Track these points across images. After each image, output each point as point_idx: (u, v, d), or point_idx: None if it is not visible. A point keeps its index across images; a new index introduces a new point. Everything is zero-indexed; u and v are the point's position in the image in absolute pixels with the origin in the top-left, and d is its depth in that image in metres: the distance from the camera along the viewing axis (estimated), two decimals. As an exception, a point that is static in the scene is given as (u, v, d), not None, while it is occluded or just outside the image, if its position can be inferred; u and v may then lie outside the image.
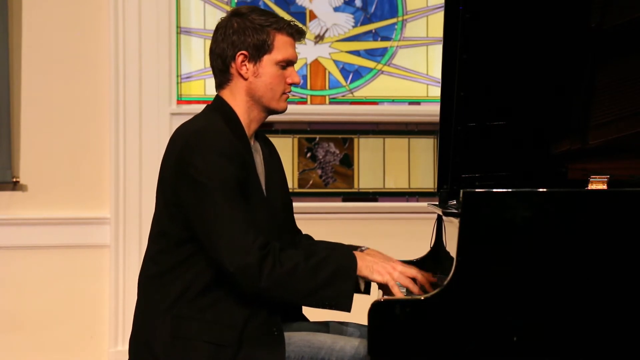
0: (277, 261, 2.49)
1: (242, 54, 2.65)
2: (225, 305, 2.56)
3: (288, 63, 2.69)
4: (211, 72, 2.76)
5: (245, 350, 2.55)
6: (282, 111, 2.72)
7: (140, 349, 2.64)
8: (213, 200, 2.51)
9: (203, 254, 2.57)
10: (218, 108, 2.68)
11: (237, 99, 2.68)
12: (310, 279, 2.50)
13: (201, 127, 2.61)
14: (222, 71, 2.69)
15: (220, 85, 2.72)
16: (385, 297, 2.49)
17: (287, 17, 2.75)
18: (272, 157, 2.81)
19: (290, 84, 2.70)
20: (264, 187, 2.70)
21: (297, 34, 2.70)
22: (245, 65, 2.66)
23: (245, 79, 2.66)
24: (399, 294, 2.54)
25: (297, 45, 2.73)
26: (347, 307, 2.51)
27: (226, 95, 2.70)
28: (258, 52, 2.65)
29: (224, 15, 2.76)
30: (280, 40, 2.66)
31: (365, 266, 2.57)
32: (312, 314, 2.85)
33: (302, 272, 2.50)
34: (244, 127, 2.67)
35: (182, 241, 2.59)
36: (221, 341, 2.54)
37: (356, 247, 2.84)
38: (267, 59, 2.66)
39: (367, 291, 2.70)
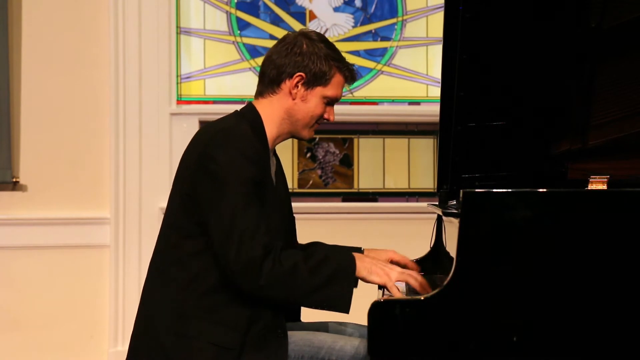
0: (277, 260, 2.50)
1: (300, 75, 2.68)
2: (230, 306, 2.56)
3: (332, 101, 2.75)
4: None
5: (248, 353, 2.55)
6: (307, 139, 2.81)
7: (141, 344, 2.64)
8: (229, 196, 2.52)
9: (211, 252, 2.57)
10: (247, 116, 2.71)
11: (272, 112, 2.71)
12: (309, 279, 2.51)
13: (228, 127, 2.64)
14: (272, 82, 2.71)
15: (261, 93, 2.74)
16: (385, 297, 2.49)
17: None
18: (280, 173, 2.85)
19: (325, 120, 2.77)
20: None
21: (351, 80, 2.77)
22: (298, 87, 2.69)
23: (292, 99, 2.70)
24: (398, 294, 2.55)
25: None
26: (345, 309, 2.52)
27: (262, 104, 2.72)
28: (315, 80, 2.70)
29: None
30: (337, 79, 2.72)
31: (363, 267, 2.59)
32: (312, 314, 2.85)
33: (301, 272, 2.51)
34: (268, 140, 2.70)
35: (192, 236, 2.59)
36: (224, 343, 2.54)
37: (356, 249, 2.86)
38: (319, 90, 2.71)
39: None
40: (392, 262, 2.83)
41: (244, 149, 2.57)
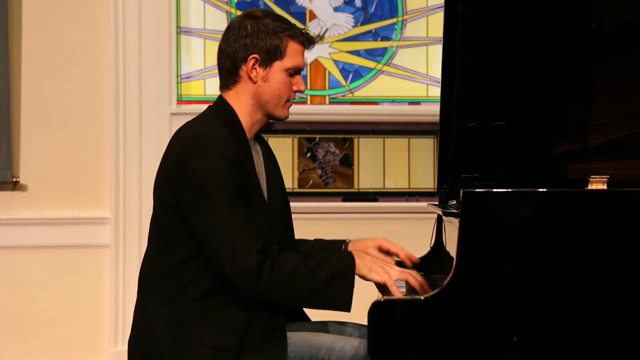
0: (275, 265, 2.48)
1: (253, 57, 2.63)
2: (226, 309, 2.55)
3: (296, 71, 2.69)
4: (211, 72, 2.76)
5: (247, 354, 2.54)
6: (284, 119, 2.73)
7: (138, 351, 2.63)
8: (213, 204, 2.50)
9: (202, 256, 2.56)
10: (220, 111, 2.67)
11: (241, 101, 2.67)
12: (309, 281, 2.50)
13: (201, 131, 2.60)
14: (230, 72, 2.67)
15: (225, 85, 2.70)
16: (385, 297, 2.49)
17: (291, 20, 2.74)
18: (270, 159, 2.81)
19: (296, 92, 2.71)
20: (265, 191, 2.70)
21: (308, 43, 2.70)
22: (256, 69, 2.64)
23: (254, 83, 2.65)
24: (397, 293, 2.54)
25: None
26: (346, 308, 2.51)
27: (230, 96, 2.69)
28: (270, 57, 2.64)
29: (223, 15, 2.76)
30: (292, 48, 2.66)
31: (363, 265, 2.58)
32: (313, 313, 2.85)
33: (300, 274, 2.49)
34: (245, 130, 2.66)
35: (181, 242, 2.57)
36: (222, 345, 2.53)
37: (340, 242, 2.86)
38: (277, 64, 2.65)
39: None
40: (382, 249, 2.82)
41: (220, 152, 2.54)
